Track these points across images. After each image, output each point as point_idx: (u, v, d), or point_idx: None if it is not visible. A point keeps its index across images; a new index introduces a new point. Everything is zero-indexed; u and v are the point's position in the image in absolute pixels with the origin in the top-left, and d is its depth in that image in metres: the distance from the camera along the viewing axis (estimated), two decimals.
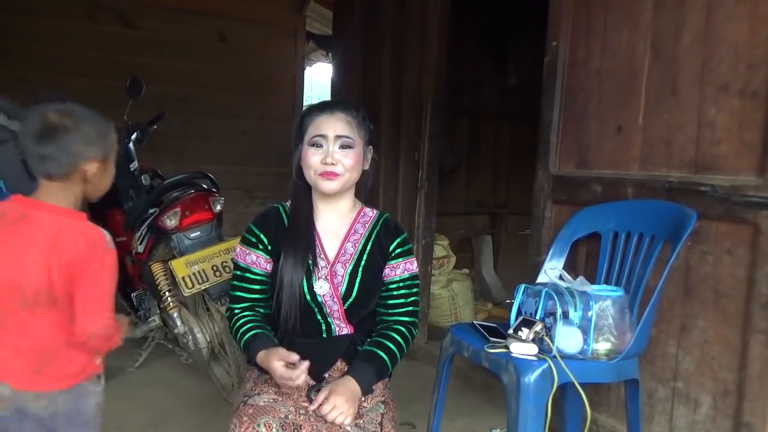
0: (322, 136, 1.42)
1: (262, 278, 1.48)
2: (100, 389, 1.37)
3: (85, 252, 1.25)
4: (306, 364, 1.30)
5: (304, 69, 5.28)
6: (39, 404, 1.27)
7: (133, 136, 2.83)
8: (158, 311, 2.72)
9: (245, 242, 1.49)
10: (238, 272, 1.49)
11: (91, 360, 1.34)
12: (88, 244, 1.26)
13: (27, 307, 1.24)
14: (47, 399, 1.28)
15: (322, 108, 1.48)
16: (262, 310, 1.50)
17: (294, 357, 1.30)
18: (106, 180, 1.37)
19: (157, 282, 2.55)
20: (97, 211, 3.23)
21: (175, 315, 2.51)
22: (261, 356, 1.36)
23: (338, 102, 1.51)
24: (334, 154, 1.41)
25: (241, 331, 1.44)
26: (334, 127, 1.43)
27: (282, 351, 1.32)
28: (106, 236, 1.31)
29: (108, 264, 1.28)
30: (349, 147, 1.43)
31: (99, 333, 1.26)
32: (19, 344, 1.26)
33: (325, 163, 1.41)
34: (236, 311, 1.48)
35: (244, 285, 1.48)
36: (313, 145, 1.43)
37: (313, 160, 1.42)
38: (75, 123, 1.27)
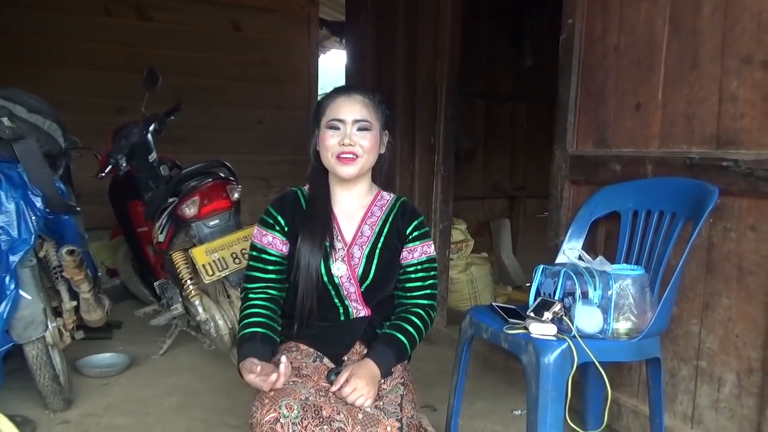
0: (341, 120, 1.43)
1: (278, 259, 1.49)
2: None
3: None
4: (283, 369, 1.28)
5: (318, 56, 5.27)
6: None
7: (151, 128, 2.86)
8: (180, 299, 2.77)
9: (262, 223, 1.51)
10: (254, 253, 1.51)
11: None
12: None
13: None
14: None
15: (338, 91, 1.50)
16: (275, 292, 1.51)
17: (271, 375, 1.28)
18: None
19: (178, 270, 2.59)
20: (119, 202, 3.30)
21: (197, 302, 2.55)
22: (246, 365, 1.33)
23: (355, 85, 1.52)
24: (352, 136, 1.42)
25: (244, 322, 1.44)
26: (352, 110, 1.44)
27: (266, 366, 1.31)
28: None
29: None
30: (367, 129, 1.44)
31: None
32: None
33: (343, 144, 1.42)
34: (250, 292, 1.50)
35: (260, 265, 1.50)
36: (330, 127, 1.44)
37: (330, 142, 1.43)
38: None
